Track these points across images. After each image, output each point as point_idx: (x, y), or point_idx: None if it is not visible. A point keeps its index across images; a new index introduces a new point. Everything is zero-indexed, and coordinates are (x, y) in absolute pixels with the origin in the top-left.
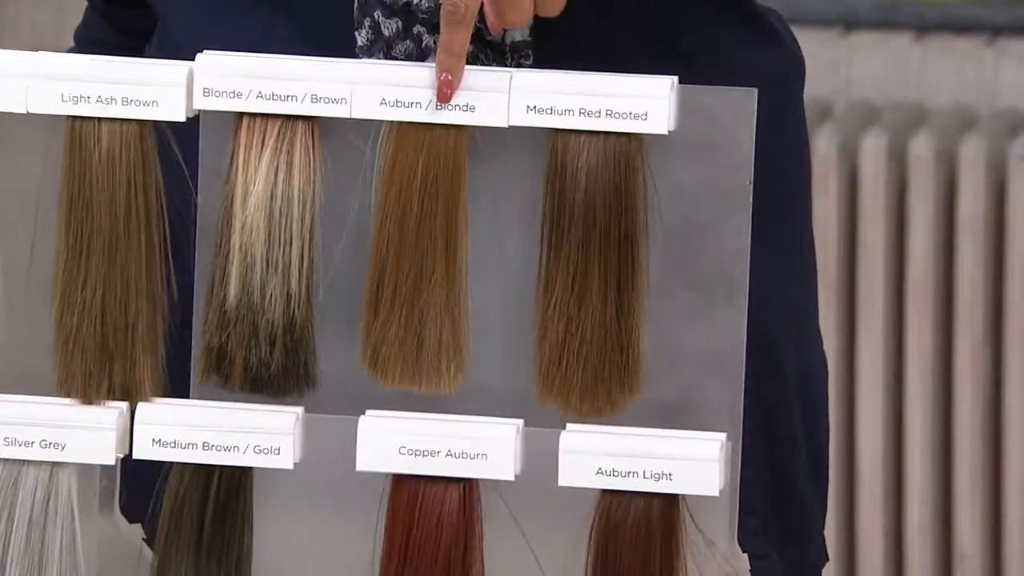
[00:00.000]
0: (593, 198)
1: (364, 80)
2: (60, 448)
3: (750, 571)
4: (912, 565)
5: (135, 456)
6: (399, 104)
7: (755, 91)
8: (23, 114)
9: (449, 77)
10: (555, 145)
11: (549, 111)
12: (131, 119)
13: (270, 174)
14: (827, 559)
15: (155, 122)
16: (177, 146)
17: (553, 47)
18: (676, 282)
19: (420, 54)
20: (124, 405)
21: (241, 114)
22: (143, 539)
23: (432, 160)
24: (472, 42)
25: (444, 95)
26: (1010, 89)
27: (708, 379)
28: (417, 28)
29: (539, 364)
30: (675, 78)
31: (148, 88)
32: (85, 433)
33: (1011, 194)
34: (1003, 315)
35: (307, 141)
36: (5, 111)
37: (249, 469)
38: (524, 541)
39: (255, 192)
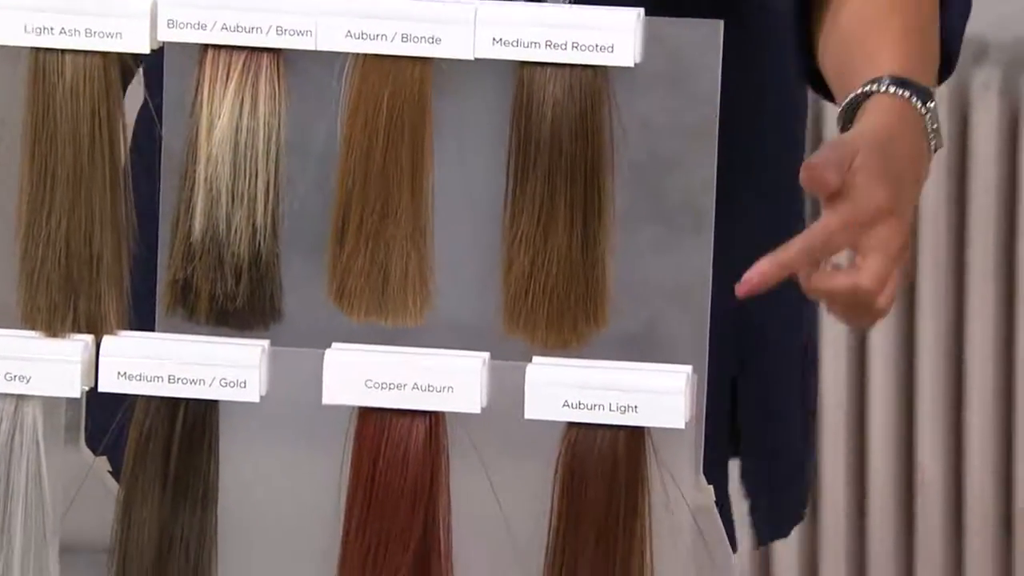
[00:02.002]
0: (559, 131)
1: (329, 12)
2: (25, 381)
3: (748, 513)
4: (874, 495)
5: (100, 389)
6: (365, 36)
7: (720, 23)
8: None
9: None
10: (521, 78)
11: (515, 43)
12: (95, 51)
13: (235, 107)
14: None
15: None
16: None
17: None
18: (642, 214)
19: None
20: (89, 338)
21: (206, 46)
22: (108, 471)
23: (398, 92)
24: None
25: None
26: None
27: (674, 311)
28: None
29: (505, 297)
30: (641, 10)
31: (112, 19)
32: (50, 366)
33: None
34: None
35: (272, 73)
36: None
37: (215, 402)
38: (492, 471)
39: (220, 125)
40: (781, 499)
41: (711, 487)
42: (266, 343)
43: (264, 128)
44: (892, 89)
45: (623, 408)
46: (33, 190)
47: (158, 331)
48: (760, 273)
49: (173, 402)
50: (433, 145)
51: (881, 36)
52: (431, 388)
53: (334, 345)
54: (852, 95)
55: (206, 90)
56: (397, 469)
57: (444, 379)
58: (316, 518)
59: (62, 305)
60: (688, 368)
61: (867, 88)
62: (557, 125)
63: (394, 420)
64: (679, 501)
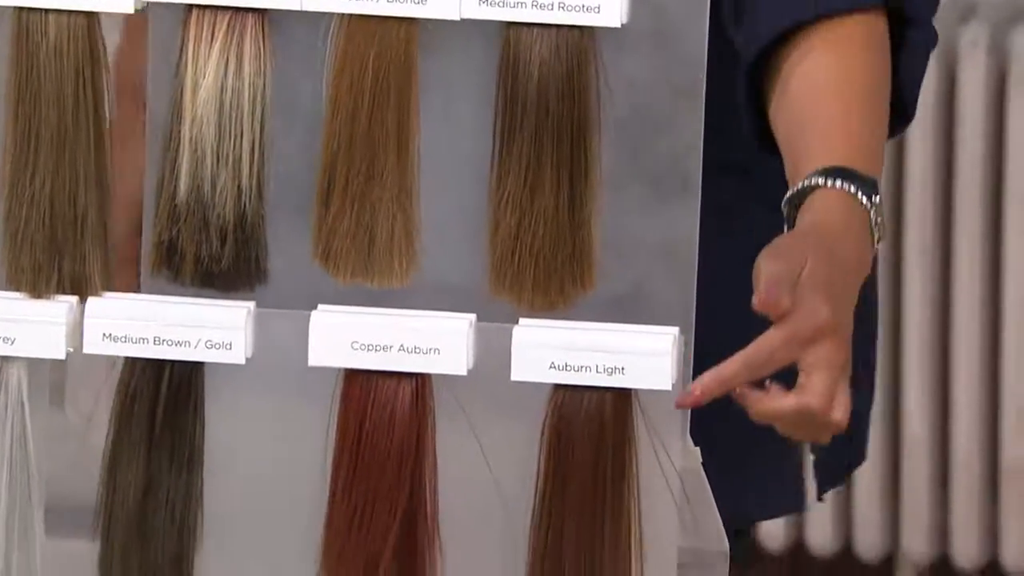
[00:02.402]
0: (545, 91)
1: None
2: (10, 342)
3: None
4: None
5: (85, 351)
6: None
7: None
8: None
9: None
10: (507, 38)
11: (501, 3)
12: (79, 10)
13: (220, 67)
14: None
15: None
16: None
17: None
18: (629, 175)
19: None
20: (74, 299)
21: (190, 6)
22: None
23: (383, 53)
24: None
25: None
26: None
27: (661, 273)
28: None
29: (491, 258)
30: None
31: None
32: (35, 327)
33: None
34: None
35: (257, 34)
36: None
37: (200, 364)
38: (479, 434)
39: (205, 85)
40: (843, 449)
41: (697, 449)
42: (252, 305)
43: (249, 89)
44: (839, 184)
45: (610, 370)
46: (17, 150)
47: (143, 292)
48: (701, 388)
49: (158, 364)
50: (419, 106)
51: (830, 111)
52: (417, 350)
53: (320, 307)
54: (799, 186)
55: (191, 50)
56: (383, 431)
57: (430, 341)
58: (302, 480)
59: (46, 266)
60: (675, 330)
61: (814, 180)
62: (544, 86)
63: (380, 382)
64: (667, 462)
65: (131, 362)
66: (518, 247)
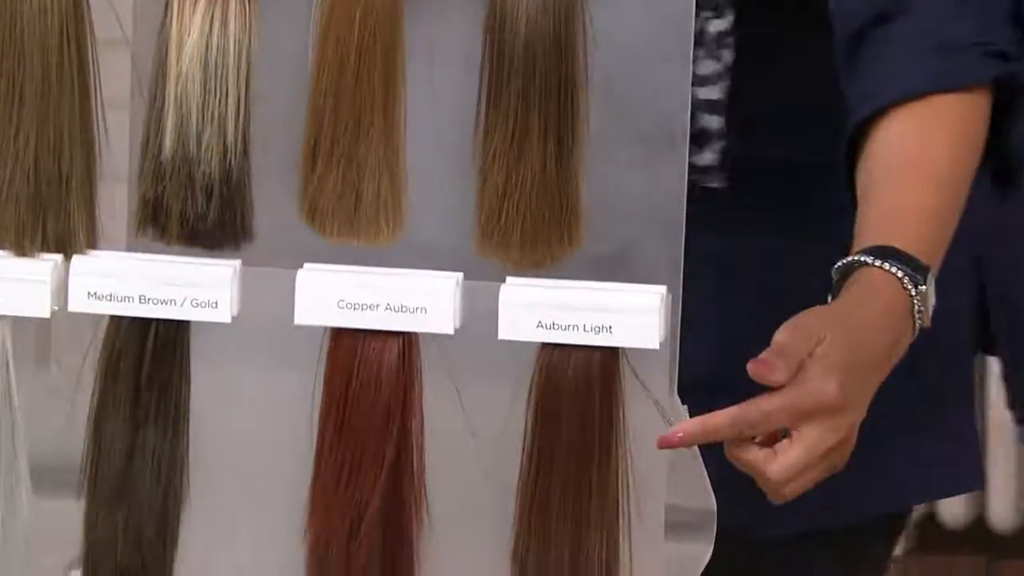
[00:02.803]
0: (532, 48)
1: None
2: None
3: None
4: None
5: (70, 309)
6: None
7: None
8: None
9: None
10: None
11: None
12: None
13: (205, 24)
14: None
15: None
16: None
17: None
18: (616, 133)
19: None
20: (59, 257)
21: None
22: None
23: (370, 11)
24: None
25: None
26: None
27: (649, 231)
28: None
29: (478, 217)
30: None
31: None
32: (19, 286)
33: None
34: None
35: None
36: None
37: (186, 322)
38: (465, 393)
39: (190, 42)
40: None
41: (685, 406)
42: (237, 263)
43: (235, 46)
44: (887, 266)
45: (597, 328)
46: (1, 108)
47: (128, 251)
48: (684, 432)
49: (144, 322)
50: (406, 64)
51: (897, 190)
52: (404, 309)
53: (306, 265)
54: (848, 259)
55: (176, 7)
56: (370, 390)
57: (417, 300)
58: (288, 438)
59: (31, 224)
60: (663, 288)
61: (864, 258)
62: (531, 42)
63: (367, 341)
64: (655, 421)
65: (116, 320)
66: (505, 206)
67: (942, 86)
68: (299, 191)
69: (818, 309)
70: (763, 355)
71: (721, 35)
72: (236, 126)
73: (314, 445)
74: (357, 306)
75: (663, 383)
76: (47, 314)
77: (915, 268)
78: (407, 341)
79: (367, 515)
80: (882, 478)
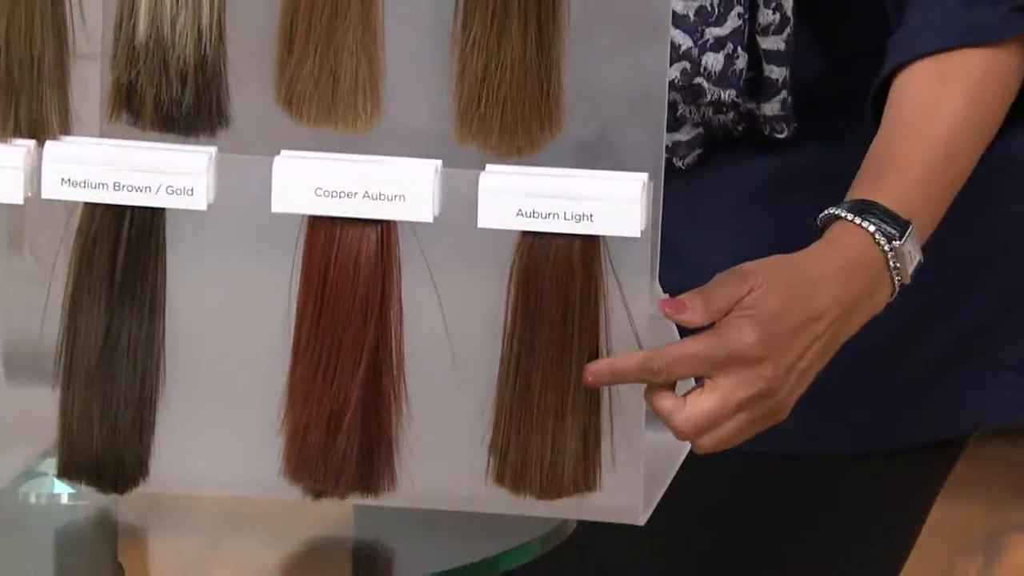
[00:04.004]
0: None
1: None
2: None
3: None
4: None
5: (44, 196)
6: None
7: None
8: None
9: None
10: None
11: None
12: None
13: None
14: None
15: None
16: None
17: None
18: (598, 19)
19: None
20: (31, 143)
21: None
22: None
23: None
24: (731, 110)
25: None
26: None
27: (630, 118)
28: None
29: (457, 103)
30: None
31: None
32: None
33: None
34: None
35: None
36: None
37: (162, 210)
38: (444, 282)
39: None
40: None
41: (667, 295)
42: (213, 150)
43: None
44: (859, 220)
45: (578, 217)
46: None
47: (102, 136)
48: (594, 371)
49: (119, 209)
50: None
51: (897, 148)
52: (382, 196)
53: (283, 152)
54: (826, 212)
55: None
56: (348, 279)
57: (396, 187)
58: (265, 327)
59: (2, 109)
60: (644, 176)
61: (838, 211)
62: None
63: (345, 229)
64: (636, 310)
65: (90, 208)
66: (484, 92)
67: (967, 40)
68: (276, 76)
69: (769, 258)
70: (683, 295)
71: None
72: (211, 10)
73: (291, 334)
74: (335, 193)
75: (643, 271)
76: (20, 200)
77: (894, 224)
78: (385, 229)
79: (346, 405)
80: (937, 404)
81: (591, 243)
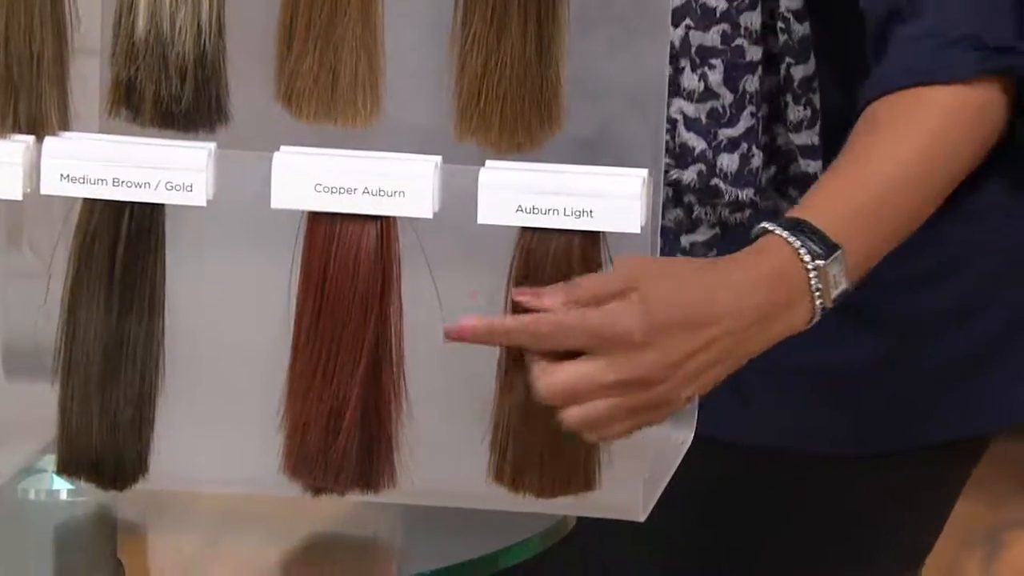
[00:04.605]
0: None
1: None
2: None
3: None
4: None
5: (43, 192)
6: None
7: None
8: None
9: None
10: None
11: None
12: None
13: None
14: None
15: None
16: None
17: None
18: (597, 15)
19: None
20: (31, 139)
21: None
22: None
23: None
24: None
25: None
26: None
27: (630, 114)
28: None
29: (457, 99)
30: None
31: None
32: None
33: None
34: None
35: None
36: None
37: (161, 206)
38: (444, 278)
39: None
40: None
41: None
42: (213, 146)
43: None
44: (786, 235)
45: (578, 212)
46: None
47: (102, 132)
48: (470, 327)
49: (118, 205)
50: None
51: (844, 177)
52: (382, 192)
53: (282, 148)
54: (759, 227)
55: None
56: (348, 274)
57: (395, 183)
58: (265, 324)
59: (1, 105)
60: (644, 172)
61: (769, 225)
62: None
63: (344, 225)
64: None
65: (90, 203)
66: (484, 88)
67: (934, 79)
68: (275, 73)
69: (671, 258)
70: (549, 286)
71: (806, 80)
72: (211, 6)
73: (291, 330)
74: (334, 189)
75: None
76: (19, 196)
77: (822, 244)
78: (385, 225)
79: (346, 401)
80: (970, 401)
81: (591, 239)
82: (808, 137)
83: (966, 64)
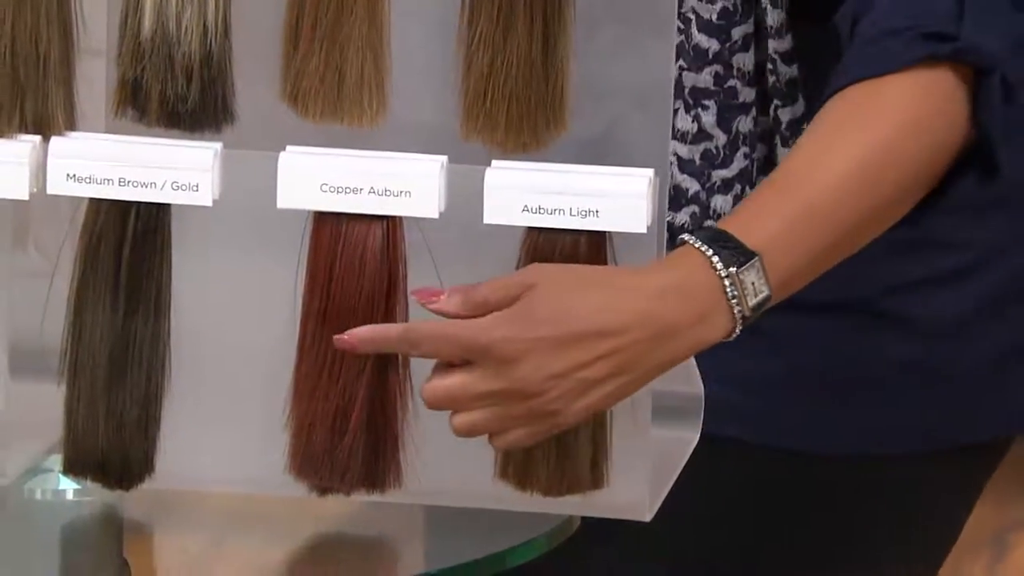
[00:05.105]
0: None
1: None
2: None
3: None
4: None
5: (49, 191)
6: None
7: None
8: None
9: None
10: None
11: None
12: None
13: None
14: None
15: None
16: None
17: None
18: (603, 15)
19: None
20: (37, 139)
21: None
22: None
23: None
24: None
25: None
26: None
27: (636, 114)
28: None
29: (464, 99)
30: None
31: None
32: None
33: None
34: None
35: None
36: None
37: (167, 205)
38: (450, 278)
39: None
40: None
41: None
42: (219, 146)
43: None
44: (698, 244)
45: (584, 212)
46: None
47: (108, 132)
48: (357, 337)
49: (124, 205)
50: None
51: (773, 185)
52: (388, 192)
53: (288, 148)
54: (679, 238)
55: None
56: (354, 274)
57: (402, 183)
58: (271, 324)
59: (8, 105)
60: (650, 171)
61: (688, 236)
62: None
63: (351, 225)
64: None
65: (96, 203)
66: (490, 88)
67: (864, 73)
68: (281, 72)
69: (566, 265)
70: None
71: (794, 122)
72: (217, 6)
73: (297, 330)
74: (340, 189)
75: None
76: (26, 196)
77: (737, 252)
78: (391, 225)
79: (352, 403)
80: (997, 403)
81: (597, 239)
82: None
83: (906, 53)
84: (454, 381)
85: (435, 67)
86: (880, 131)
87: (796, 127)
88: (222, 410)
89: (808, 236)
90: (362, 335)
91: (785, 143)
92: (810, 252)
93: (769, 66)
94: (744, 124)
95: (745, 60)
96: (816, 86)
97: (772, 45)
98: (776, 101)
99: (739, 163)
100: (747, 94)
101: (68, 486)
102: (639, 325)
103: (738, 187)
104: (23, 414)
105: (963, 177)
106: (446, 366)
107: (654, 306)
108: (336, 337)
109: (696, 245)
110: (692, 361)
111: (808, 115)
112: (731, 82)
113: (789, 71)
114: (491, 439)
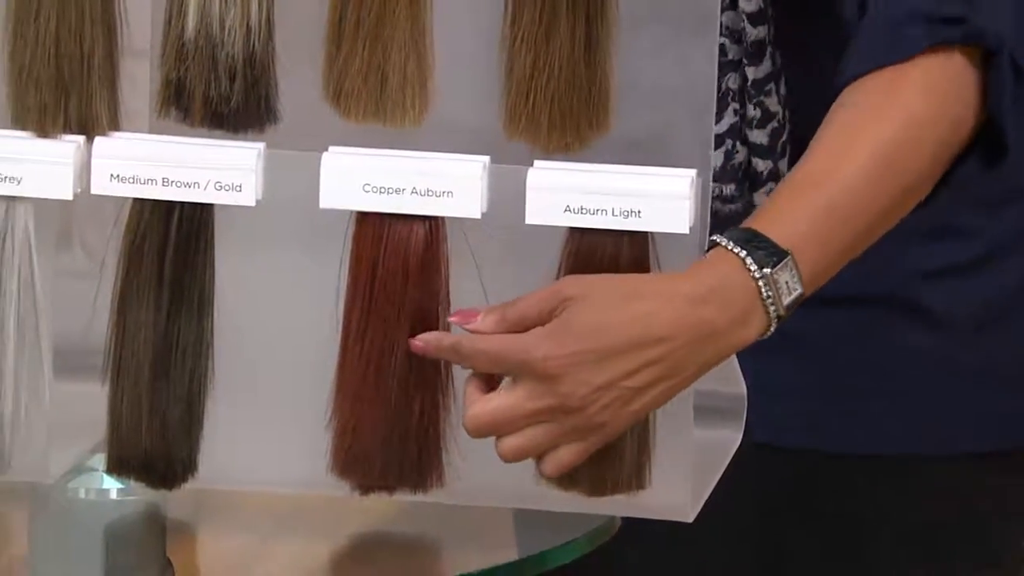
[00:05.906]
0: None
1: None
2: (16, 182)
3: None
4: None
5: (93, 191)
6: None
7: None
8: None
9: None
10: None
11: None
12: None
13: None
14: None
15: None
16: None
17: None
18: (646, 14)
19: None
20: (81, 139)
21: None
22: None
23: None
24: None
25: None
26: None
27: (679, 114)
28: None
29: (506, 99)
30: None
31: None
32: (41, 167)
33: None
34: None
35: None
36: None
37: (210, 206)
38: (492, 279)
39: None
40: None
41: None
42: (262, 146)
43: None
44: (731, 246)
45: (626, 213)
46: None
47: (151, 133)
48: (418, 342)
49: (167, 205)
50: None
51: (793, 181)
52: (430, 192)
53: (331, 148)
54: (711, 239)
55: None
56: (396, 275)
57: (444, 183)
58: (314, 323)
59: (53, 105)
60: (692, 172)
61: (717, 238)
62: None
63: (393, 225)
64: None
65: (139, 203)
66: (533, 88)
67: (877, 63)
68: (324, 73)
69: (601, 276)
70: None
71: (758, 82)
72: (260, 6)
73: (339, 330)
74: (383, 190)
75: None
76: (70, 196)
77: (770, 252)
78: (433, 225)
79: (395, 402)
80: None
81: (639, 239)
82: (758, 136)
83: (920, 39)
84: (498, 404)
85: (478, 67)
86: (899, 122)
87: (760, 86)
88: (265, 410)
89: (836, 230)
90: (427, 341)
91: (750, 100)
92: (839, 245)
93: (740, 25)
94: (733, 81)
95: (731, 18)
96: (795, 43)
97: (742, 5)
98: (743, 60)
99: (729, 119)
100: (735, 51)
101: (112, 486)
102: (679, 333)
103: (728, 142)
104: (67, 414)
105: (970, 160)
106: (483, 390)
107: (692, 312)
108: (410, 340)
109: (729, 247)
110: (734, 360)
111: (774, 76)
112: (720, 39)
113: (755, 32)
114: (540, 465)
